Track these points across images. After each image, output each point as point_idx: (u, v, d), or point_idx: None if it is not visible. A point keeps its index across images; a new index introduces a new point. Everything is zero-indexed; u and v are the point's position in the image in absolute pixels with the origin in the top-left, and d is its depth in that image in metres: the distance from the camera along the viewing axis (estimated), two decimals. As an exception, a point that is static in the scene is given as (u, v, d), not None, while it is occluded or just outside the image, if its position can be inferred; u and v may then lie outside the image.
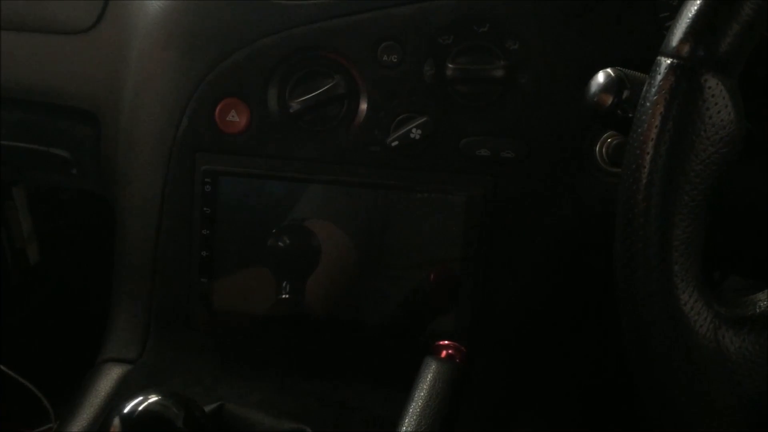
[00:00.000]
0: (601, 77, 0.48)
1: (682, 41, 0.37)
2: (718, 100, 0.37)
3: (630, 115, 0.45)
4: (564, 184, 0.68)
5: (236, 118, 0.68)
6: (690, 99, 0.36)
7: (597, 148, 0.67)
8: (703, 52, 0.37)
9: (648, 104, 0.38)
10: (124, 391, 0.68)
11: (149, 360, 0.71)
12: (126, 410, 0.47)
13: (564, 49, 0.66)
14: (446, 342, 0.60)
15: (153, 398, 0.47)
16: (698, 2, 0.37)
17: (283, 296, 0.71)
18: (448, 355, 0.59)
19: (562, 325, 0.72)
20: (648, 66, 0.50)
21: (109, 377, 0.70)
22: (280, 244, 0.70)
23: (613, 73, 0.46)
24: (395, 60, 0.67)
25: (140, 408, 0.47)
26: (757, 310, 0.38)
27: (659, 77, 0.37)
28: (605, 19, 0.66)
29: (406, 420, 0.54)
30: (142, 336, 0.73)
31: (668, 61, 0.37)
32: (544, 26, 0.66)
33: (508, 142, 0.67)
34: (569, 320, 0.71)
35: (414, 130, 0.67)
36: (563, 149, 0.67)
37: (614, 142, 0.66)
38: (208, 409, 0.55)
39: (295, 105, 0.67)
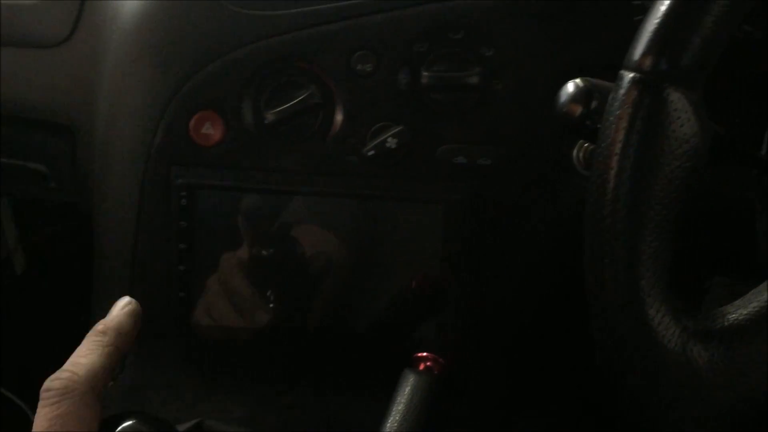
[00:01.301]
0: (570, 87, 0.48)
1: (644, 54, 0.37)
2: (681, 114, 0.36)
3: (598, 125, 0.45)
4: (542, 188, 0.68)
5: (211, 130, 0.67)
6: (653, 113, 0.36)
7: (574, 153, 0.67)
8: (665, 65, 0.36)
9: (611, 118, 0.37)
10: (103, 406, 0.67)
11: (128, 375, 0.71)
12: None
13: (539, 54, 0.66)
14: (424, 354, 0.59)
15: (127, 422, 0.47)
16: (660, 16, 0.37)
17: (263, 310, 0.70)
18: (426, 367, 0.59)
19: (547, 328, 0.71)
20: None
21: (89, 394, 0.69)
22: (259, 256, 0.69)
23: (581, 83, 0.46)
24: (369, 69, 0.66)
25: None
26: (725, 323, 0.38)
27: (622, 91, 0.37)
28: (580, 23, 0.66)
29: (385, 434, 0.54)
30: (121, 351, 0.72)
31: (630, 75, 0.37)
32: (518, 32, 0.65)
33: (485, 149, 0.67)
34: (554, 322, 0.71)
35: (390, 140, 0.66)
36: (540, 154, 0.67)
37: (591, 147, 0.66)
38: (184, 428, 0.54)
39: (270, 116, 0.66)
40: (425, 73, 0.65)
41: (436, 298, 0.69)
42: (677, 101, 0.36)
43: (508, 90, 0.66)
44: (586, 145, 0.66)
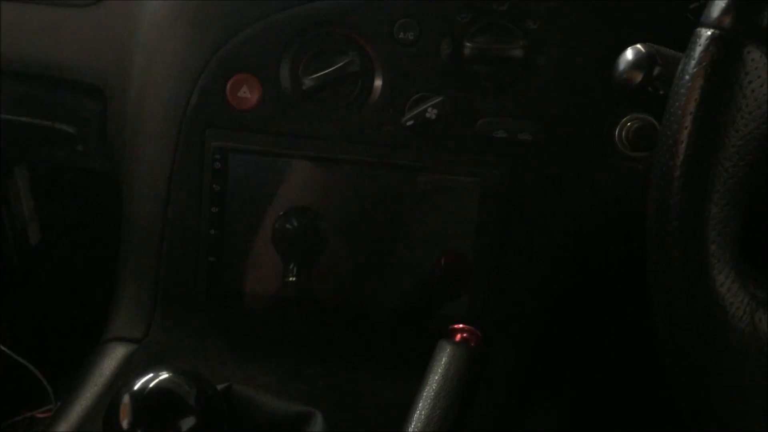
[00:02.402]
0: (630, 54, 0.46)
1: (724, 11, 0.36)
2: (761, 73, 0.35)
3: (661, 92, 0.44)
4: (582, 167, 0.67)
5: (248, 94, 0.66)
6: (732, 71, 0.35)
7: (616, 132, 0.66)
8: (746, 23, 0.35)
9: (687, 77, 0.36)
10: (128, 370, 0.67)
11: (154, 339, 0.70)
12: (136, 387, 0.45)
13: (584, 29, 0.65)
14: (461, 325, 0.58)
15: (164, 375, 0.46)
16: (742, -30, 0.35)
17: (291, 278, 0.69)
18: (462, 338, 0.58)
19: (578, 311, 0.70)
20: (671, 47, 0.48)
21: (113, 356, 0.69)
22: (289, 225, 0.69)
23: (644, 48, 0.45)
24: (412, 38, 0.65)
25: (151, 385, 0.46)
26: (795, 293, 0.37)
27: (699, 49, 0.36)
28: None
29: (420, 403, 0.53)
30: (147, 315, 0.71)
31: (709, 32, 0.36)
32: (564, 6, 0.64)
33: (526, 124, 0.66)
34: (586, 306, 0.70)
35: (430, 110, 0.65)
36: (582, 132, 0.66)
37: (634, 125, 0.65)
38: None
39: (308, 82, 0.65)
40: (468, 44, 0.64)
41: (466, 273, 0.68)
42: (758, 60, 0.35)
43: (551, 64, 0.65)
44: (629, 124, 0.65)
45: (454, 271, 0.69)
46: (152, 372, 0.47)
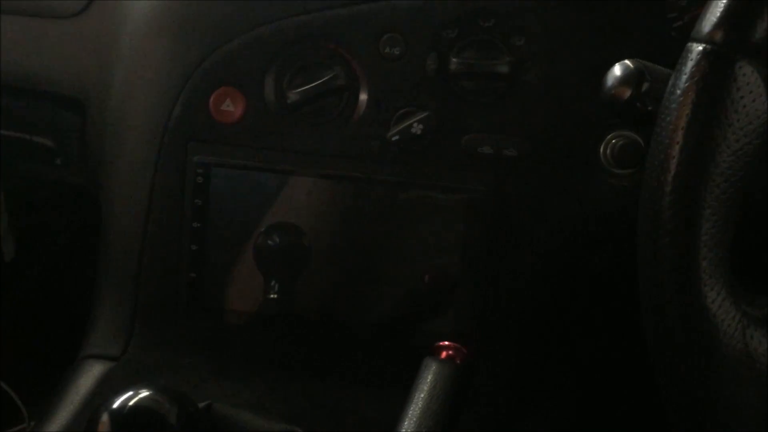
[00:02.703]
0: (618, 69, 0.46)
1: (715, 26, 0.36)
2: (753, 88, 0.35)
3: (650, 108, 0.44)
4: (567, 183, 0.66)
5: (231, 107, 0.66)
6: (724, 87, 0.35)
7: (601, 149, 0.66)
8: (738, 37, 0.35)
9: (678, 92, 0.36)
10: (106, 389, 0.65)
11: (133, 357, 0.68)
12: (115, 405, 0.44)
13: (569, 47, 0.65)
14: (446, 343, 0.58)
15: (144, 393, 0.45)
16: (733, -14, 0.35)
17: (273, 295, 0.68)
18: (448, 356, 0.57)
19: (564, 326, 0.70)
20: (656, 64, 0.48)
21: (91, 374, 0.67)
22: (270, 241, 0.68)
23: (632, 64, 0.45)
24: (397, 53, 0.65)
25: (131, 403, 0.44)
26: (787, 310, 0.36)
27: (691, 63, 0.36)
28: (613, 18, 0.64)
29: (406, 422, 0.52)
30: (126, 332, 0.70)
31: (700, 47, 0.36)
32: (550, 23, 0.64)
33: (512, 140, 0.65)
34: (572, 321, 0.70)
35: (415, 125, 0.65)
36: (567, 148, 0.66)
37: (619, 143, 0.65)
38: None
39: (292, 95, 0.65)
40: (454, 60, 0.64)
41: (451, 289, 0.68)
42: (750, 75, 0.35)
43: (537, 81, 0.65)
44: (614, 141, 0.65)
45: (439, 288, 0.68)
46: (132, 390, 0.46)
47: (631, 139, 0.65)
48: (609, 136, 0.66)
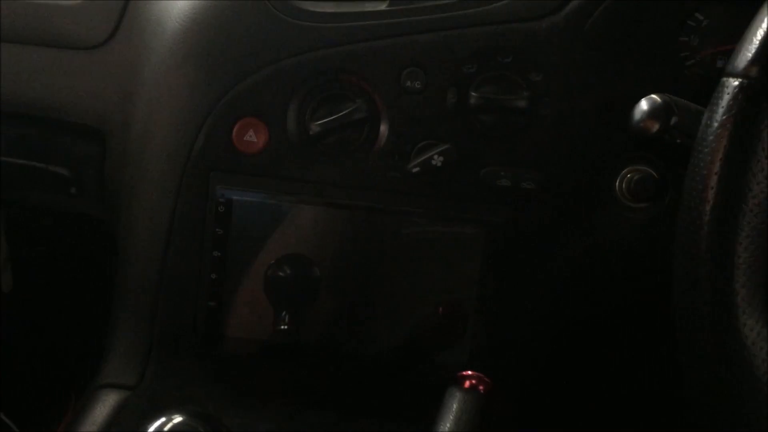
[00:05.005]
0: (645, 104, 0.48)
1: (751, 62, 0.37)
2: (788, 121, 0.36)
3: (678, 141, 0.45)
4: (583, 216, 0.68)
5: (254, 138, 0.66)
6: (760, 119, 0.36)
7: (617, 183, 0.67)
8: (773, 73, 0.37)
9: (715, 125, 0.37)
10: (122, 418, 0.65)
11: (149, 386, 0.68)
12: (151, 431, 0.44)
13: (585, 82, 0.66)
14: (469, 372, 0.58)
15: (177, 418, 0.45)
16: (766, 23, 0.37)
17: (283, 326, 0.68)
18: (471, 385, 0.57)
19: (578, 358, 0.71)
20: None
21: (106, 403, 0.67)
22: (281, 273, 0.68)
23: (660, 98, 0.46)
24: (418, 86, 0.66)
25: (166, 428, 0.44)
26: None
27: (727, 98, 0.37)
28: (628, 56, 0.66)
29: (433, 451, 0.52)
30: (142, 361, 0.69)
31: (736, 82, 0.37)
32: (567, 59, 0.66)
33: (529, 173, 0.67)
34: (586, 353, 0.70)
35: (436, 157, 0.66)
36: (583, 182, 0.67)
37: (635, 177, 0.66)
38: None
39: (315, 127, 0.66)
40: (473, 94, 0.65)
41: (465, 322, 0.68)
42: (785, 109, 0.36)
43: (554, 115, 0.66)
44: (629, 175, 0.67)
45: (454, 319, 0.68)
46: (164, 416, 0.46)
47: (647, 173, 0.66)
48: (625, 170, 0.67)
